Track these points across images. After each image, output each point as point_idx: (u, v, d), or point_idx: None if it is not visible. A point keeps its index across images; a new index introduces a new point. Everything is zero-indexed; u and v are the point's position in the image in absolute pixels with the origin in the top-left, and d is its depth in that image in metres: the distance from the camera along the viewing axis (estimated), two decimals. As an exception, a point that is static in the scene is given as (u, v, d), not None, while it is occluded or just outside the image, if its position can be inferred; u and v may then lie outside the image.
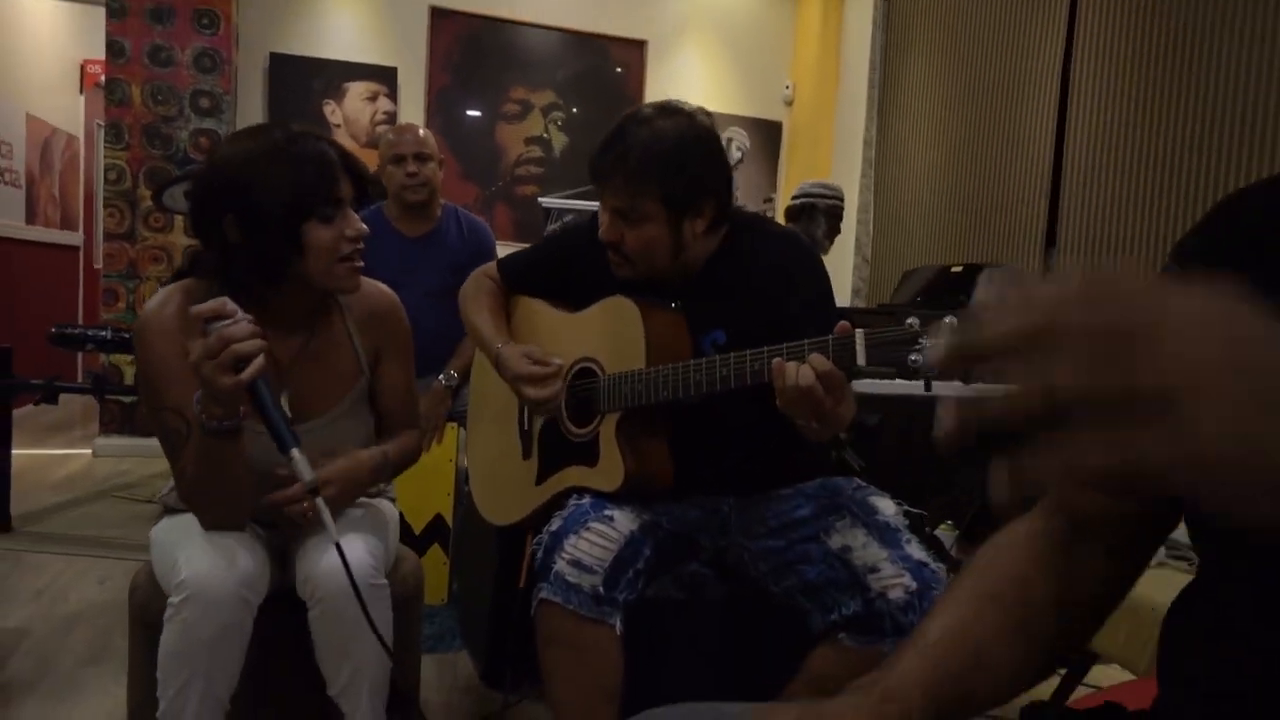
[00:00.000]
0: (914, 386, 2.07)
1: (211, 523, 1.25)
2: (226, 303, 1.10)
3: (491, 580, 1.87)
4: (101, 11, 4.11)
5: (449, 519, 2.39)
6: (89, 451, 4.15)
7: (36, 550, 2.67)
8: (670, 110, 1.35)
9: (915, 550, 1.28)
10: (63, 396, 5.28)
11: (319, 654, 1.28)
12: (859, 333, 1.06)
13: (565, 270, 1.52)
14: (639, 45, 4.92)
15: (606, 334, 1.40)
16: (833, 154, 4.99)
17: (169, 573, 1.22)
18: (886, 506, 1.34)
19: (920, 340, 1.02)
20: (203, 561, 1.18)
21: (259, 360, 1.09)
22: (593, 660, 1.25)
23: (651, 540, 1.32)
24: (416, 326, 2.48)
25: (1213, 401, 0.29)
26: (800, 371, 1.09)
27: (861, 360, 1.06)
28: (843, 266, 4.59)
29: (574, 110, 4.86)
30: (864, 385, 2.05)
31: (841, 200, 3.12)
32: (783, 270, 1.40)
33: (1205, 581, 0.62)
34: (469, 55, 4.70)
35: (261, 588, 1.24)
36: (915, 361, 1.01)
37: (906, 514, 1.35)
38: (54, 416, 5.19)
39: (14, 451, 2.91)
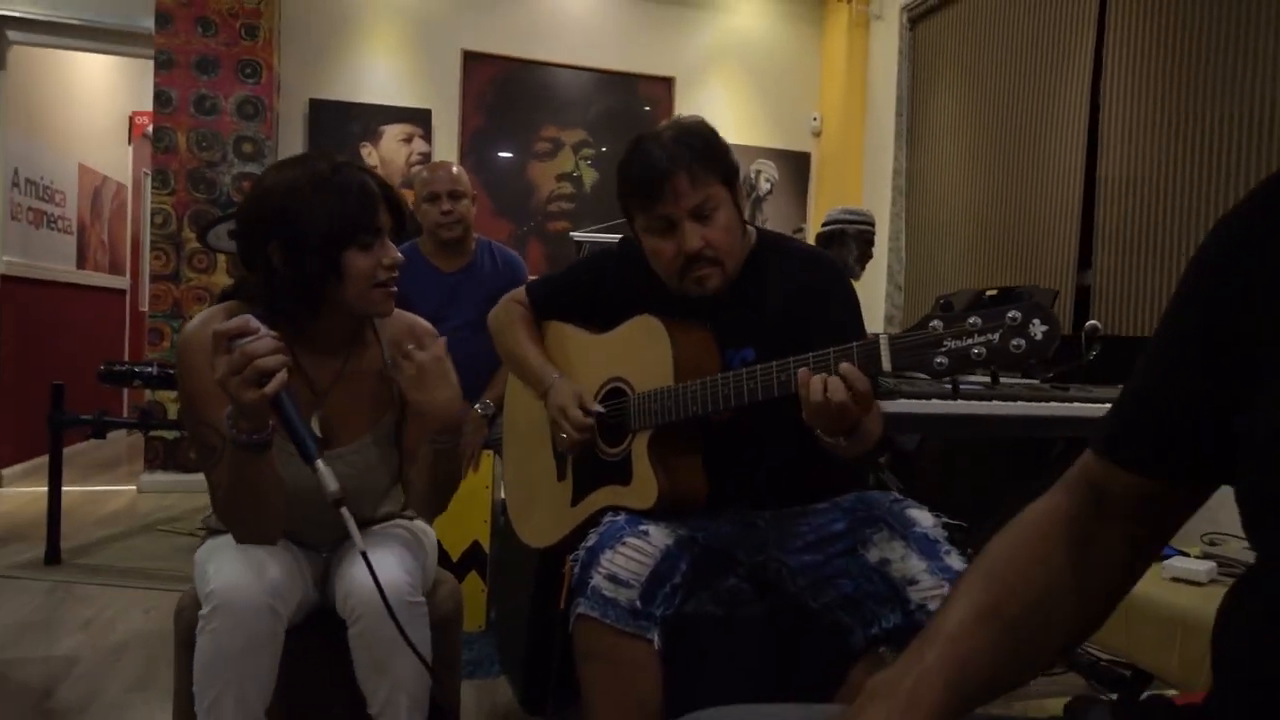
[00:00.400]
0: (951, 405, 2.06)
1: (244, 536, 1.27)
2: (250, 320, 1.12)
3: (529, 605, 1.87)
4: (147, 65, 4.29)
5: (486, 546, 2.40)
6: (134, 488, 4.25)
7: (85, 582, 2.73)
8: (661, 126, 1.40)
9: (955, 561, 1.26)
10: (109, 436, 5.43)
11: (358, 672, 1.29)
12: (883, 337, 1.07)
13: (593, 293, 1.54)
14: (666, 82, 5.01)
15: (635, 353, 1.41)
16: (862, 183, 5.01)
17: (202, 586, 1.24)
18: (924, 518, 1.33)
19: (945, 343, 1.01)
20: (231, 572, 1.20)
21: (281, 375, 1.11)
22: (631, 675, 1.25)
23: (688, 555, 1.32)
24: (454, 360, 2.52)
25: None
26: (830, 384, 1.09)
27: (887, 365, 1.06)
28: (876, 294, 4.58)
29: (604, 147, 4.95)
30: (899, 405, 2.04)
31: (870, 224, 3.13)
32: (810, 289, 1.41)
33: (1261, 570, 0.62)
34: (501, 96, 4.81)
35: (291, 599, 1.26)
36: (940, 364, 1.01)
37: (945, 526, 1.34)
38: (100, 455, 5.33)
39: (63, 488, 2.98)
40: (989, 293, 3.40)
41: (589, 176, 4.97)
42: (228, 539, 1.30)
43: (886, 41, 4.80)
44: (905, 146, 4.64)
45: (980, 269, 3.98)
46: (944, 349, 1.01)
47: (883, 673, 0.65)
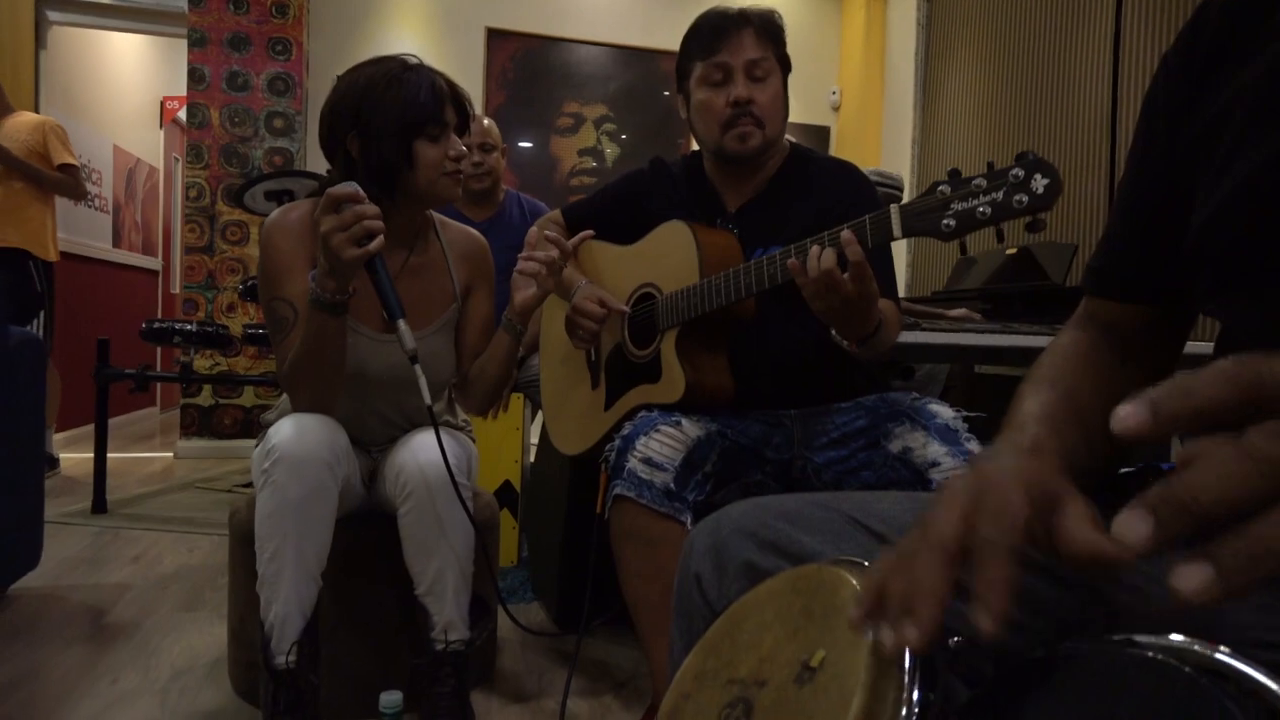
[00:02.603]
0: (976, 338, 2.13)
1: (306, 399, 1.36)
2: (359, 189, 1.24)
3: (563, 525, 1.94)
4: (178, 50, 4.41)
5: (517, 485, 2.48)
6: (171, 454, 4.37)
7: (131, 527, 2.83)
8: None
9: (975, 446, 1.32)
10: (143, 413, 5.52)
11: (407, 552, 1.37)
12: (894, 206, 1.12)
13: (625, 209, 1.61)
14: (686, 57, 5.06)
15: (663, 257, 1.48)
16: (881, 155, 5.04)
17: (261, 456, 1.32)
18: (944, 411, 1.39)
19: (951, 205, 1.07)
20: (292, 431, 1.29)
21: (380, 238, 1.24)
22: (665, 556, 1.31)
23: (718, 447, 1.39)
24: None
25: None
26: (824, 254, 1.15)
27: (898, 232, 1.11)
28: (895, 259, 4.61)
29: (625, 121, 5.01)
30: (914, 336, 2.10)
31: (898, 189, 3.13)
32: (839, 198, 1.47)
33: (1223, 334, 0.68)
34: (523, 73, 4.89)
35: (345, 466, 1.34)
36: (948, 225, 1.06)
37: (965, 419, 1.39)
38: (138, 429, 5.46)
39: (106, 455, 3.07)
40: (1009, 251, 3.45)
41: (611, 151, 5.03)
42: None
43: (904, 13, 4.83)
44: (921, 118, 4.67)
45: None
46: (951, 211, 1.06)
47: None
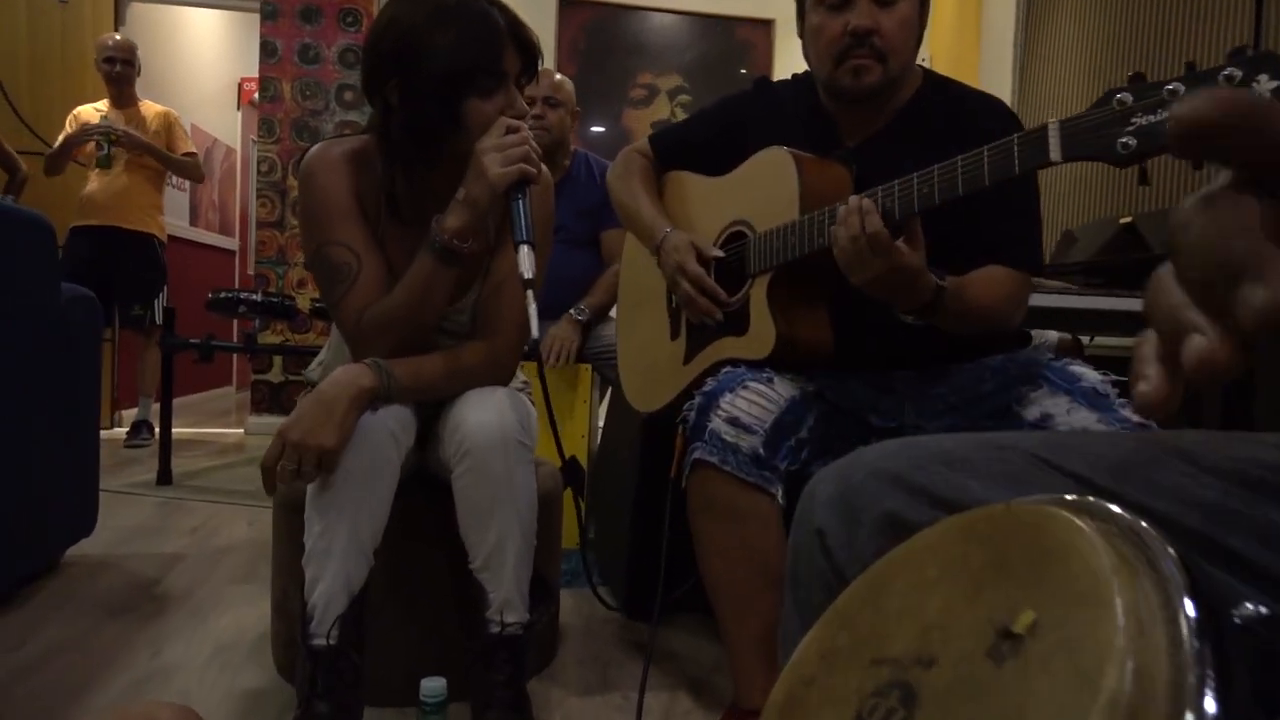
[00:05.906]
0: (1069, 299, 1.89)
1: (392, 351, 1.22)
2: (524, 126, 1.19)
3: (632, 499, 1.78)
4: (253, 30, 4.38)
5: (584, 461, 2.32)
6: (242, 431, 4.37)
7: (193, 499, 2.78)
8: None
9: (1131, 414, 1.09)
10: (220, 391, 5.58)
11: (462, 522, 1.22)
12: (1053, 123, 0.90)
13: (724, 138, 1.40)
14: (765, 25, 4.83)
15: (758, 190, 1.29)
16: (973, 126, 4.72)
17: None
18: (1090, 374, 1.17)
19: (1133, 120, 0.84)
20: None
21: (525, 167, 1.17)
22: (752, 533, 1.13)
23: (815, 411, 1.19)
24: (554, 274, 2.42)
25: None
26: (867, 219, 1.03)
27: (1056, 155, 0.89)
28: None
29: (700, 93, 4.81)
30: (1042, 298, 1.86)
31: None
32: (982, 133, 1.24)
33: None
34: (595, 44, 4.73)
35: (409, 435, 1.20)
36: (1126, 145, 0.83)
37: (1115, 384, 1.16)
38: (210, 408, 5.53)
39: (175, 431, 3.04)
40: (1123, 220, 3.13)
41: (685, 124, 4.84)
42: None
43: (1003, -29, 4.49)
44: (1020, 82, 4.34)
45: (1106, 197, 3.68)
46: (1132, 126, 0.83)
47: None
